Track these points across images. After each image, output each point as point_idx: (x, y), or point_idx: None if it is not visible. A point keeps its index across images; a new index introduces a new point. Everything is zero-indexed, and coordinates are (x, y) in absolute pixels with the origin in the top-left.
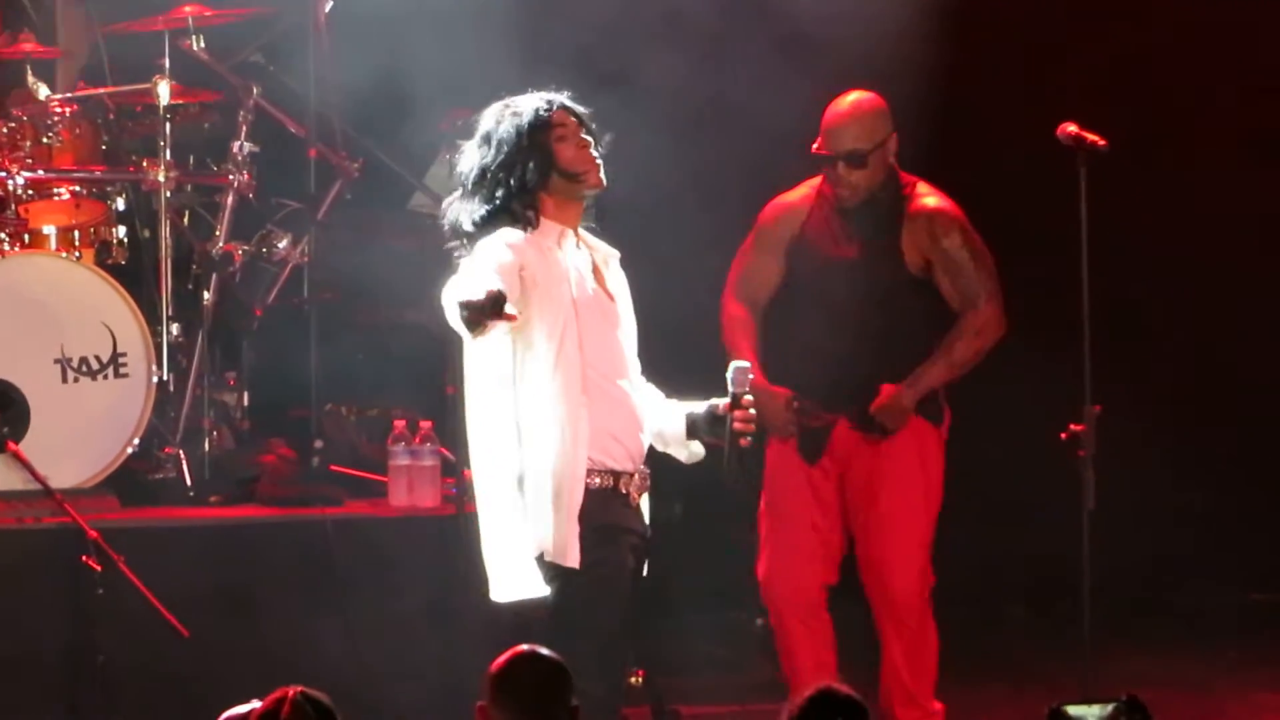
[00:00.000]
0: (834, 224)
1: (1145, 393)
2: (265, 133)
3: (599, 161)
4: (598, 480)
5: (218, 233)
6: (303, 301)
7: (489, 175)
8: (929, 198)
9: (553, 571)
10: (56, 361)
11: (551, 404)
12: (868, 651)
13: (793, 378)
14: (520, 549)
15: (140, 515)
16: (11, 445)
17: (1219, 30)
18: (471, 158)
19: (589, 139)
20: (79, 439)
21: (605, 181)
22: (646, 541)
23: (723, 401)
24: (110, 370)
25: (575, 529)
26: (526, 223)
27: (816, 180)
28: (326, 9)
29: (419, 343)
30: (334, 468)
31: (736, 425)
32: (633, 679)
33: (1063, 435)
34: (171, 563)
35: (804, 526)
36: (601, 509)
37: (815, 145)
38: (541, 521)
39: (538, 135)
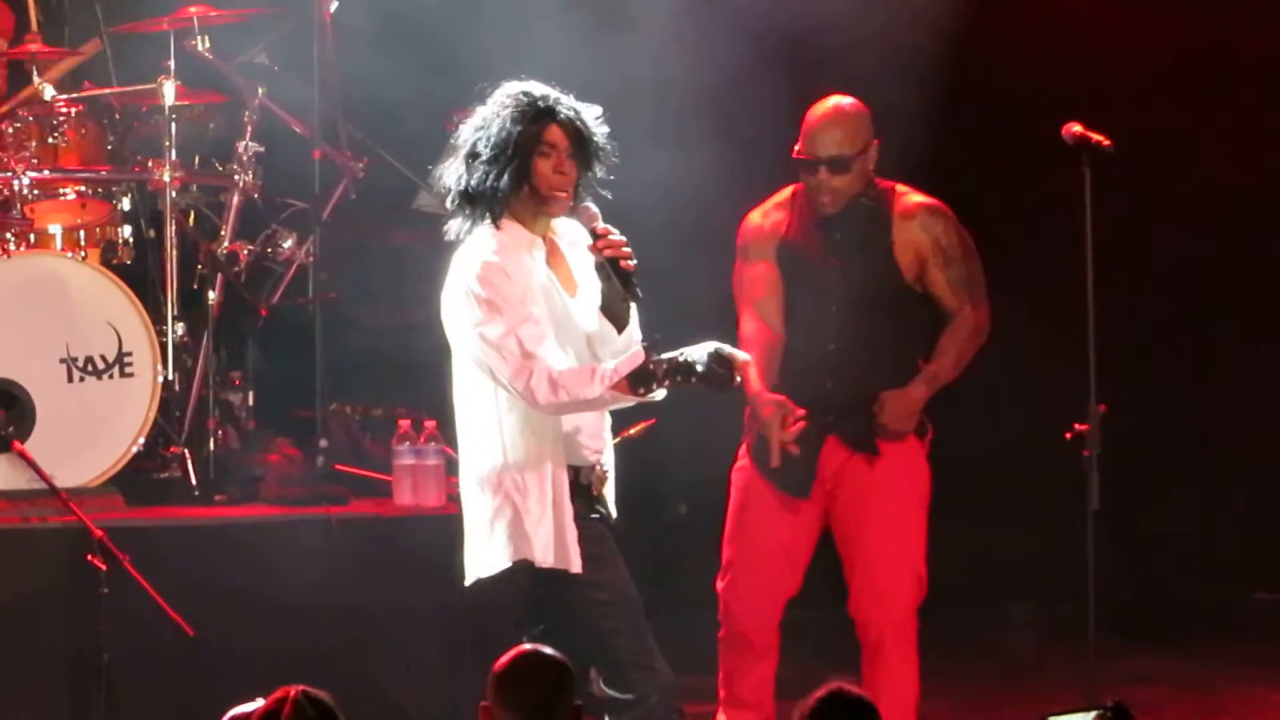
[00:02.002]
0: (817, 234)
1: (1149, 392)
2: (270, 133)
3: (569, 189)
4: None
5: (223, 232)
6: (308, 301)
7: (474, 161)
8: (914, 195)
9: (552, 577)
10: (62, 361)
11: (526, 412)
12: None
13: (780, 393)
14: (480, 533)
15: (145, 514)
16: (17, 445)
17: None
18: (468, 133)
19: (572, 161)
20: (84, 438)
21: (573, 205)
22: (614, 530)
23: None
24: (116, 370)
25: (574, 533)
26: (491, 217)
27: (789, 190)
28: (331, 9)
29: (423, 342)
30: (339, 467)
31: (606, 252)
32: None
33: (1067, 435)
34: (176, 562)
35: (773, 549)
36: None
37: (796, 149)
38: (534, 528)
39: (523, 147)
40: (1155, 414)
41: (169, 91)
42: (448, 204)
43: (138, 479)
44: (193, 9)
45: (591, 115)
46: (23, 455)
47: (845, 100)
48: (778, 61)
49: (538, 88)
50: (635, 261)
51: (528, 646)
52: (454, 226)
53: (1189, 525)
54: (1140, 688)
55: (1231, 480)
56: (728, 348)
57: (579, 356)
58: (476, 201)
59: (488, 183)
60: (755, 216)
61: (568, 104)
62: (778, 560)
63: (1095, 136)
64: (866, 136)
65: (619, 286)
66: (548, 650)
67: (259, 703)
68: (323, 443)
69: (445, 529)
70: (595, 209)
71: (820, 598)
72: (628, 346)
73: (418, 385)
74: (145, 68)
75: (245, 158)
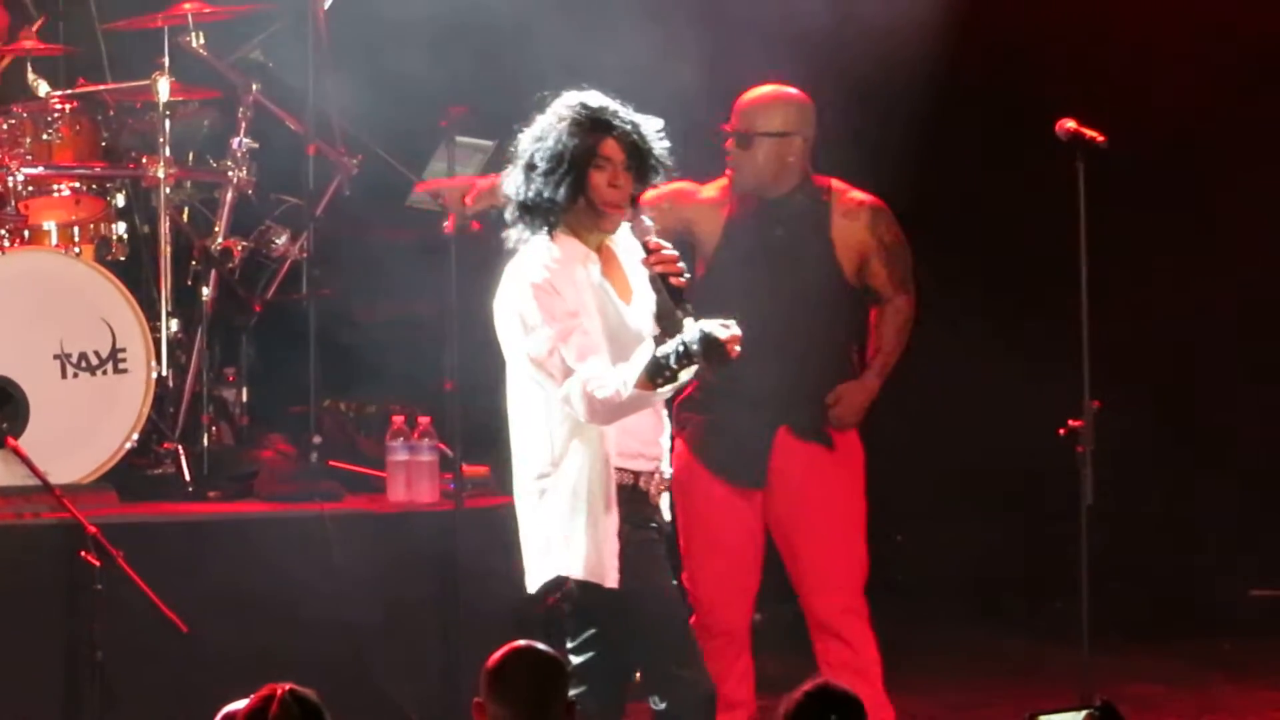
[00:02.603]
0: (755, 230)
1: (1144, 388)
2: (264, 129)
3: (624, 204)
4: (621, 480)
5: (217, 229)
6: (301, 297)
7: (531, 172)
8: (855, 193)
9: (590, 592)
10: (56, 357)
11: (576, 423)
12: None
13: (727, 385)
14: (536, 542)
15: (139, 511)
16: (11, 441)
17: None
18: (527, 143)
19: (628, 175)
20: (78, 434)
21: (628, 218)
22: (665, 537)
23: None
24: (109, 366)
25: (613, 546)
26: (548, 228)
27: (724, 181)
28: (325, 5)
29: (417, 338)
30: (332, 463)
31: (656, 268)
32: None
33: (1061, 431)
34: (170, 558)
35: (734, 549)
36: (625, 505)
37: (727, 124)
38: (574, 540)
39: (578, 160)
40: (1151, 410)
41: (163, 88)
42: (507, 215)
43: (131, 475)
44: (187, 5)
45: (652, 128)
46: (16, 451)
47: (789, 88)
48: (775, 61)
49: (596, 99)
50: (687, 276)
51: (521, 643)
52: (512, 235)
53: (1184, 522)
54: (1135, 685)
55: (1227, 477)
56: (713, 327)
57: (626, 347)
58: (534, 212)
59: (544, 195)
60: (707, 189)
61: (626, 116)
62: (737, 550)
63: (1089, 133)
64: (804, 124)
65: (669, 300)
66: (540, 646)
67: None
68: (316, 439)
69: (439, 525)
70: (649, 222)
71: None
72: None
73: (412, 381)
74: (139, 64)
75: (239, 154)
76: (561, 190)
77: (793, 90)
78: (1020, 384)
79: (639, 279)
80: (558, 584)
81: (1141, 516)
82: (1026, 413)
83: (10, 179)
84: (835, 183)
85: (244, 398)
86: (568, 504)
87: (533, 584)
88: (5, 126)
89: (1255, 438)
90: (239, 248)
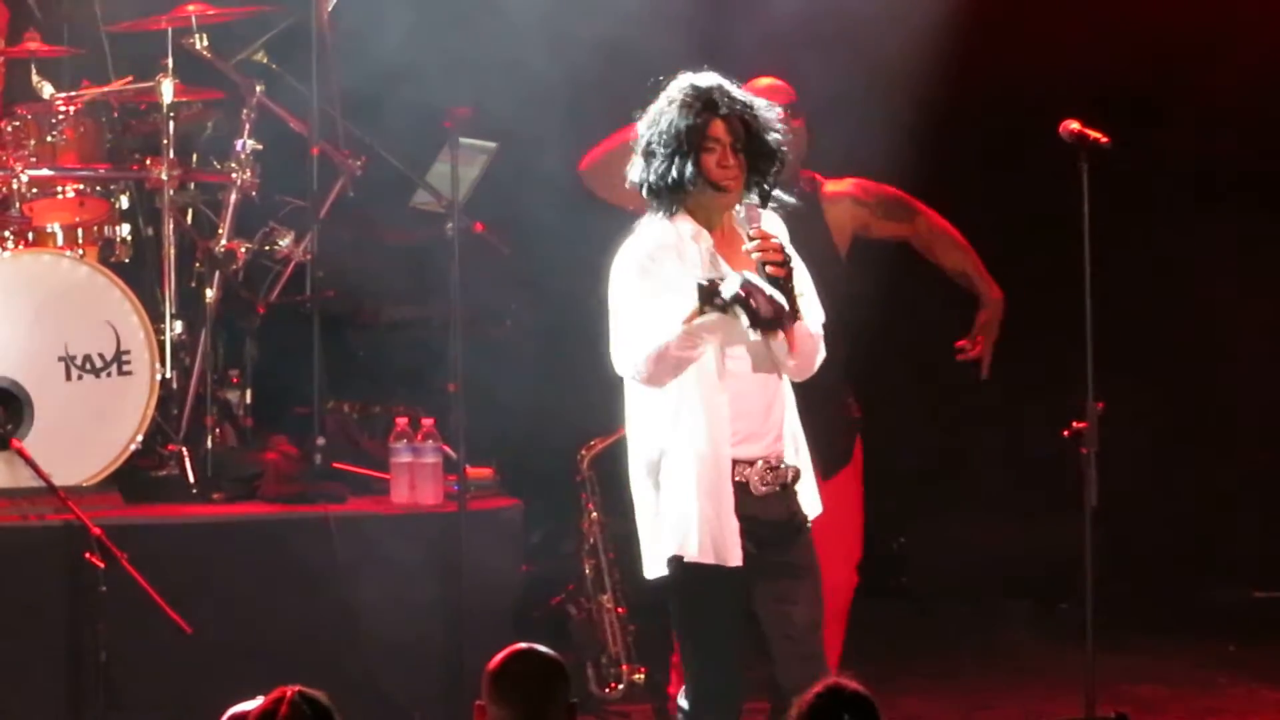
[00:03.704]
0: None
1: (1148, 389)
2: (268, 131)
3: (736, 181)
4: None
5: (221, 230)
6: (305, 299)
7: (650, 158)
8: (830, 184)
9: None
10: (60, 359)
11: (689, 394)
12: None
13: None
14: (653, 532)
15: (143, 512)
16: (15, 443)
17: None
18: (644, 129)
19: (738, 155)
20: (82, 436)
21: (734, 197)
22: (769, 528)
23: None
24: (114, 368)
25: (734, 524)
26: (668, 211)
27: None
28: (329, 7)
29: (421, 340)
30: (336, 465)
31: (755, 256)
32: (636, 676)
33: (1065, 432)
34: (174, 560)
35: None
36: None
37: None
38: (685, 518)
39: (687, 142)
40: (1155, 411)
41: (167, 89)
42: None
43: (136, 477)
44: (191, 7)
45: (763, 108)
46: (21, 453)
47: (783, 83)
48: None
49: (706, 79)
50: (788, 269)
51: (522, 645)
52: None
53: (1189, 522)
54: (1139, 686)
55: (1231, 478)
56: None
57: (740, 340)
58: (658, 196)
59: (662, 178)
60: None
61: (737, 97)
62: None
63: (1093, 134)
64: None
65: (775, 295)
66: (541, 648)
67: (258, 701)
68: (320, 441)
69: (442, 527)
70: (760, 210)
71: None
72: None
73: (415, 383)
74: (144, 66)
75: (243, 156)
76: (674, 173)
77: (781, 84)
78: (1023, 384)
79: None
80: (671, 564)
81: (1145, 518)
82: (1030, 413)
83: (14, 181)
84: (814, 175)
85: (248, 399)
86: (669, 486)
87: (651, 568)
88: (9, 128)
89: (1261, 438)
90: (243, 249)
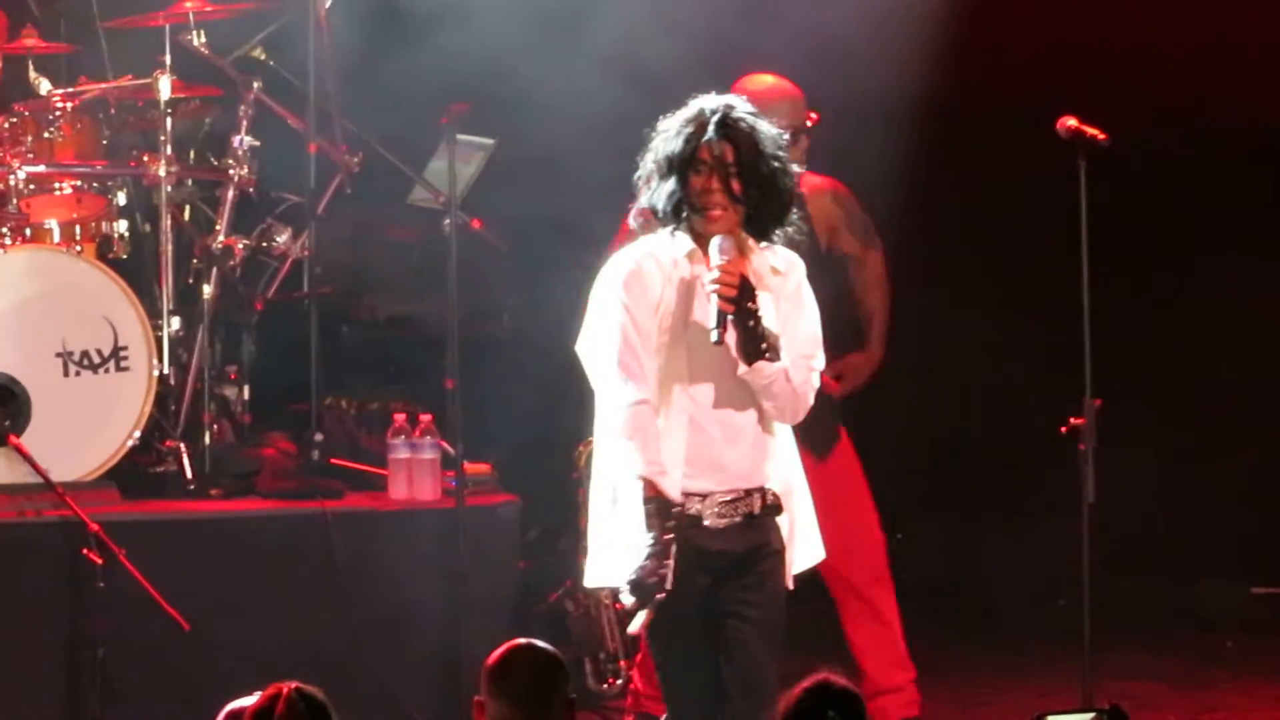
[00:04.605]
0: None
1: (1145, 386)
2: (265, 127)
3: (719, 206)
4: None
5: (218, 227)
6: (303, 295)
7: (655, 176)
8: (811, 176)
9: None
10: (58, 355)
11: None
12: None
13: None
14: (601, 540)
15: (141, 508)
16: (13, 439)
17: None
18: (647, 154)
19: (725, 178)
20: (80, 432)
21: (721, 223)
22: (727, 560)
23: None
24: (111, 364)
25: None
26: (673, 229)
27: None
28: (327, 3)
29: (419, 336)
30: (334, 461)
31: (710, 285)
32: (634, 672)
33: (1063, 429)
34: (172, 556)
35: None
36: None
37: None
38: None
39: (677, 163)
40: (1152, 408)
41: (164, 86)
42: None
43: (133, 473)
44: (188, 3)
45: (764, 132)
46: (18, 449)
47: (783, 81)
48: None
49: (711, 100)
50: (739, 305)
51: (521, 640)
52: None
53: (1187, 519)
54: (1137, 683)
55: (1229, 474)
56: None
57: (711, 358)
58: (661, 218)
59: (661, 199)
60: None
61: (733, 120)
62: None
63: (1090, 130)
64: (801, 119)
65: (726, 324)
66: (540, 643)
67: (255, 697)
68: (318, 436)
69: (440, 523)
70: (730, 244)
71: (803, 591)
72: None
73: (413, 379)
74: (141, 62)
75: (240, 152)
76: (665, 193)
77: (786, 80)
78: (1021, 382)
79: (764, 299)
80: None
81: (1143, 514)
82: (1028, 410)
83: (12, 177)
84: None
85: (245, 395)
86: (625, 511)
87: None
88: (7, 125)
89: (1258, 434)
90: (240, 246)
